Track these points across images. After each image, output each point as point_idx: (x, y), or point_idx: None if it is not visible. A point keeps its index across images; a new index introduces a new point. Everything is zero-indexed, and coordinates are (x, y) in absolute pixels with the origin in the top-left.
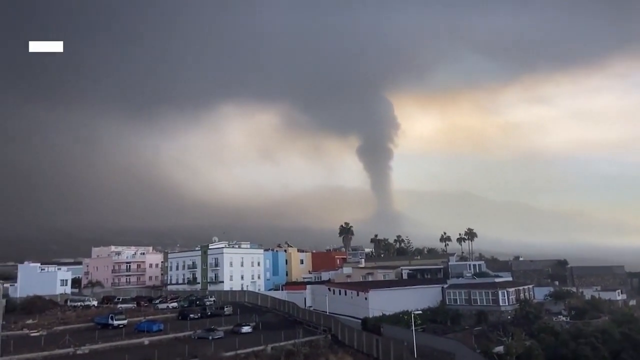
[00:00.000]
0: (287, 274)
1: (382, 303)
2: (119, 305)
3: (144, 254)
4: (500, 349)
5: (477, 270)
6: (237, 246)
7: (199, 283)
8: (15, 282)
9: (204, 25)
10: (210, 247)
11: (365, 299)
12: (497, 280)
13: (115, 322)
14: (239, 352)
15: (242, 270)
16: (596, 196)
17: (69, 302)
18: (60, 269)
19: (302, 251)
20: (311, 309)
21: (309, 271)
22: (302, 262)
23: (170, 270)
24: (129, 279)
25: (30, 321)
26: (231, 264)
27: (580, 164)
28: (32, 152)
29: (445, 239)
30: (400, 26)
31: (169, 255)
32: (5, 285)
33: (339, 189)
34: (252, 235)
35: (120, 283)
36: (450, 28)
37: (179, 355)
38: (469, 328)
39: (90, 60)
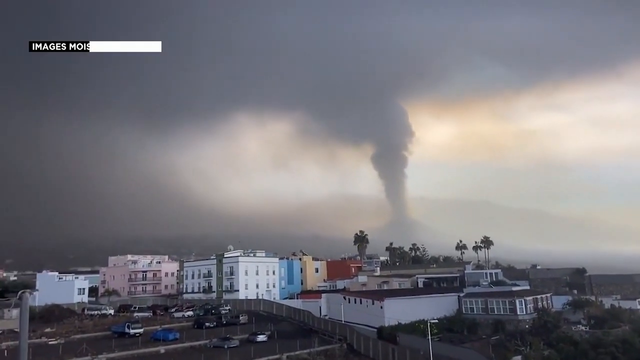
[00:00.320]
0: (302, 283)
1: (397, 312)
2: (135, 314)
3: (160, 262)
4: (518, 358)
5: (494, 279)
6: (252, 255)
7: (214, 292)
8: (35, 290)
9: (219, 35)
10: (225, 256)
11: (381, 307)
12: (515, 288)
13: (132, 331)
14: None
15: (257, 278)
16: (614, 203)
17: (86, 310)
18: (77, 277)
19: (317, 259)
20: (326, 317)
21: (324, 280)
22: (317, 270)
23: (186, 278)
24: (145, 287)
25: (48, 330)
26: (246, 273)
27: (598, 170)
28: (50, 163)
29: (461, 247)
30: (414, 33)
31: (185, 264)
32: (31, 294)
33: (354, 196)
34: (267, 244)
35: (136, 292)
36: (465, 34)
37: None
38: (486, 337)
39: (110, 71)
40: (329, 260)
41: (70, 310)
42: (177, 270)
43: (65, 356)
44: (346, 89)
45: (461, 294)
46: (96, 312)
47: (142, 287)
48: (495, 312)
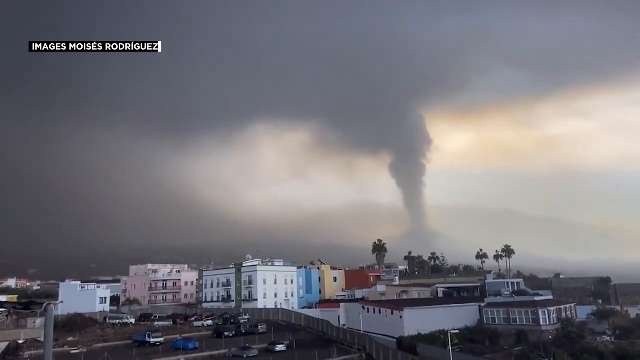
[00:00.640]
0: (320, 292)
1: (417, 322)
2: (155, 323)
3: (179, 272)
4: None
5: (516, 288)
6: (270, 264)
7: (233, 300)
8: (57, 300)
9: (233, 44)
10: (244, 265)
11: (400, 317)
12: (537, 298)
13: (152, 340)
14: None
15: (275, 287)
16: (638, 211)
17: (107, 319)
18: (99, 287)
19: (335, 269)
20: (345, 327)
21: (343, 289)
22: (335, 279)
23: (205, 288)
24: (166, 296)
25: (71, 339)
26: (265, 282)
27: (621, 177)
28: (72, 173)
29: (481, 256)
30: (432, 39)
31: (204, 273)
32: (56, 306)
33: (372, 205)
34: (285, 253)
35: (157, 301)
36: (484, 40)
37: None
38: (509, 348)
39: (127, 83)
40: (347, 269)
41: (93, 319)
42: (197, 280)
43: None
44: (363, 97)
45: (482, 304)
46: (117, 321)
47: (163, 296)
48: (518, 323)
